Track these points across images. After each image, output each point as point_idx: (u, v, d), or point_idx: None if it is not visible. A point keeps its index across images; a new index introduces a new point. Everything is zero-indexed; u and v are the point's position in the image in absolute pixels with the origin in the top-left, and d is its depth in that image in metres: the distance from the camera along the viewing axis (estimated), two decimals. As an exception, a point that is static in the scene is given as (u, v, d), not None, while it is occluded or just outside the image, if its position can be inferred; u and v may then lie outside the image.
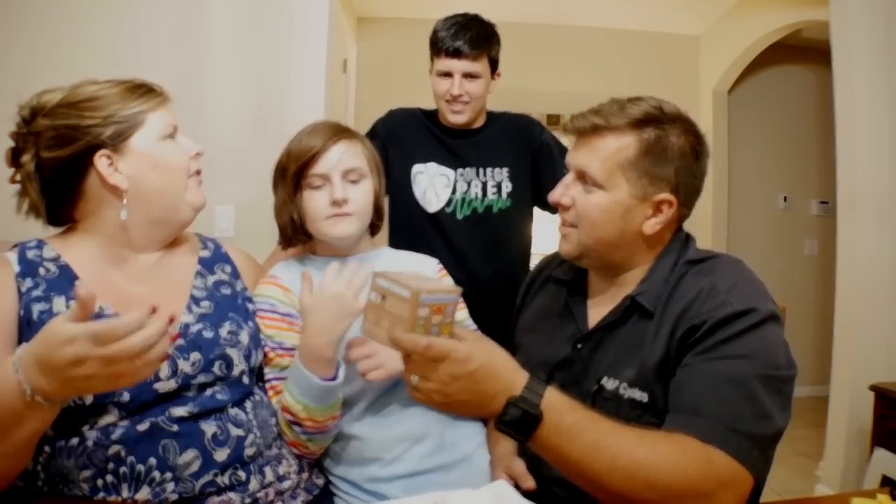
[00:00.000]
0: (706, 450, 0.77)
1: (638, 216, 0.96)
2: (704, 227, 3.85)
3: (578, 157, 0.99)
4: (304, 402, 0.95)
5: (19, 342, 0.85)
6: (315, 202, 1.05)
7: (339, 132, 1.08)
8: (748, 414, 0.80)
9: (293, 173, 1.05)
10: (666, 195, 0.95)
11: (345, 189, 1.05)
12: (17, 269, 0.90)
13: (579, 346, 1.02)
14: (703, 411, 0.81)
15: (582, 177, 0.98)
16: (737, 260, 0.99)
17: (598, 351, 0.99)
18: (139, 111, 0.93)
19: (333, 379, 0.96)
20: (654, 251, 1.00)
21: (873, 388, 2.16)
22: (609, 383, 0.95)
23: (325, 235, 1.07)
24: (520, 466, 1.02)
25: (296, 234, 1.09)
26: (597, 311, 1.04)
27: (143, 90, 0.96)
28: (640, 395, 0.91)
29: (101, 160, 0.91)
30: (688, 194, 0.98)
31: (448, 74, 1.60)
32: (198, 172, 1.01)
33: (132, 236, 0.97)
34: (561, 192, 1.00)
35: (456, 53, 1.57)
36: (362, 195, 1.07)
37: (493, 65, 1.65)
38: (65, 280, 0.91)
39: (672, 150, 0.95)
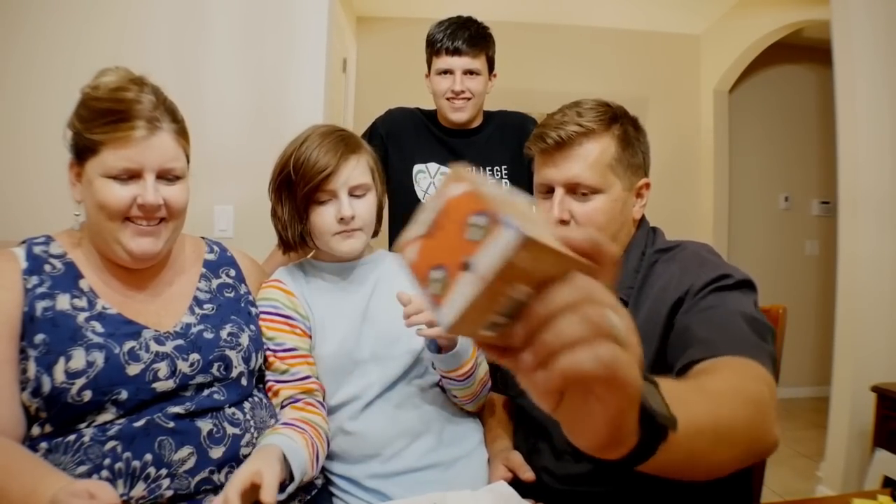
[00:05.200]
0: (750, 363, 0.74)
1: (629, 206, 1.03)
2: (705, 227, 3.84)
3: (563, 171, 0.98)
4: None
5: (22, 338, 0.86)
6: (322, 218, 1.05)
7: (346, 147, 1.05)
8: (754, 335, 0.80)
9: (305, 193, 1.03)
10: (644, 179, 1.04)
11: (352, 206, 1.04)
12: (24, 265, 0.90)
13: None
14: (717, 342, 0.79)
15: (573, 189, 0.98)
16: (703, 244, 1.02)
17: None
18: (99, 140, 0.88)
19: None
20: (634, 230, 1.05)
21: (875, 388, 2.15)
22: None
23: (332, 250, 1.08)
24: (518, 458, 1.03)
25: (301, 244, 1.09)
26: None
27: (118, 117, 0.88)
28: None
29: (71, 168, 0.93)
30: (648, 172, 1.05)
31: (448, 72, 1.62)
32: (144, 221, 0.92)
33: (103, 250, 0.95)
34: (559, 210, 0.99)
35: (456, 51, 1.60)
36: (367, 209, 1.07)
37: (491, 64, 1.68)
38: (69, 278, 0.91)
39: (635, 138, 1.02)
